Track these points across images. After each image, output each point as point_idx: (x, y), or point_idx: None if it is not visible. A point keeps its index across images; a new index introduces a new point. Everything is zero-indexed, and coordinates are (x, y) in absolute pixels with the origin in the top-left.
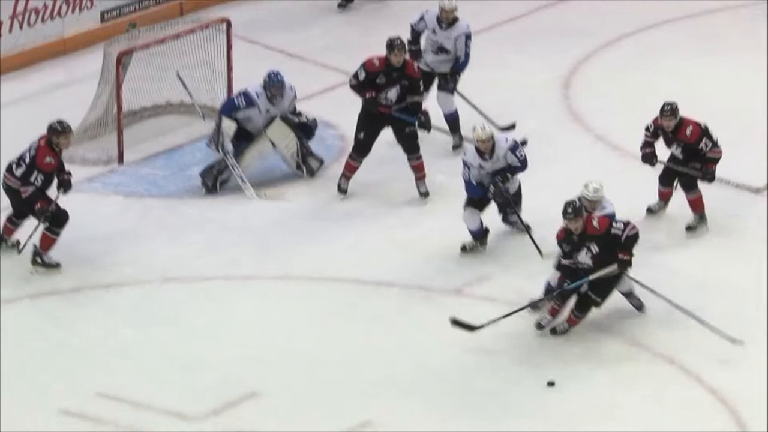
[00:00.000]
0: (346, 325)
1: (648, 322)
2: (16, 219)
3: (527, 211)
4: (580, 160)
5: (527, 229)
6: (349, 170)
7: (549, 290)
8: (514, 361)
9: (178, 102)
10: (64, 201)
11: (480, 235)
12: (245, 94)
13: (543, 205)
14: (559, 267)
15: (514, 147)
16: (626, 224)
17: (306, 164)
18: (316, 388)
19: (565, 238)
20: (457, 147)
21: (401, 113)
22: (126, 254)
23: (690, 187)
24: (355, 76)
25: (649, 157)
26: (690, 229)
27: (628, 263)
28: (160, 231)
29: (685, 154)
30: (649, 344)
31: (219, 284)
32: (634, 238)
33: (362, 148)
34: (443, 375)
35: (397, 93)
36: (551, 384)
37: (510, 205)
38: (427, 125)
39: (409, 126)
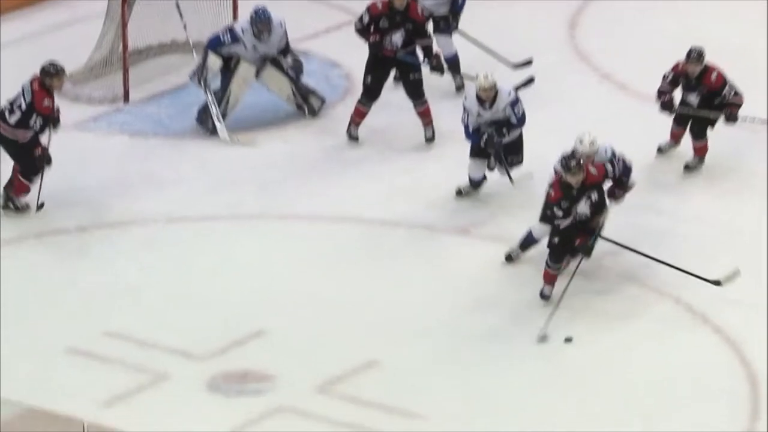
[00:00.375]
0: (351, 265)
1: (653, 262)
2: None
3: (532, 154)
4: (586, 100)
5: (510, 178)
6: (359, 116)
7: (528, 240)
8: (522, 303)
9: (184, 41)
10: (70, 140)
11: (479, 184)
12: (230, 30)
13: (550, 144)
14: (552, 225)
15: (515, 102)
16: (619, 160)
17: (307, 103)
18: (321, 328)
19: (563, 196)
20: (459, 89)
21: (407, 57)
22: (131, 194)
23: (700, 135)
24: (360, 19)
25: (668, 105)
26: (688, 168)
27: (621, 197)
28: (165, 170)
29: (702, 101)
30: (655, 285)
31: (223, 224)
32: (627, 172)
33: (371, 93)
34: (448, 315)
35: (403, 37)
36: (568, 340)
37: (500, 160)
38: (439, 69)
39: (414, 72)
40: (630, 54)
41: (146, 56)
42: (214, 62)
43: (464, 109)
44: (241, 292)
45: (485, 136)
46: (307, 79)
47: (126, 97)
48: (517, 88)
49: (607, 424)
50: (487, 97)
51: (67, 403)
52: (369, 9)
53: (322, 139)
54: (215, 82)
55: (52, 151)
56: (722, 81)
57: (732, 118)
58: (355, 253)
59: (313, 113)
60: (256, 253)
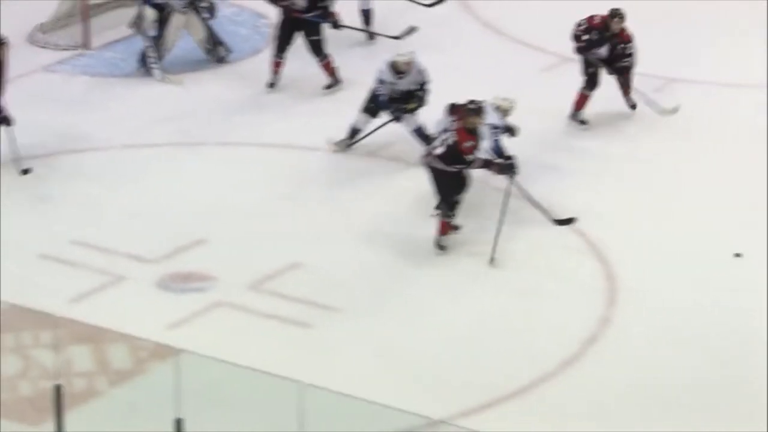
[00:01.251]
0: (280, 183)
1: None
2: None
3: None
4: (469, 47)
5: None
6: (276, 65)
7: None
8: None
9: None
10: (40, 81)
11: (356, 134)
12: None
13: (436, 93)
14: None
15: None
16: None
17: (216, 50)
18: (253, 235)
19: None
20: (371, 37)
21: (311, 17)
22: (92, 124)
23: (626, 85)
24: None
25: (586, 49)
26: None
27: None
28: (120, 106)
29: (610, 56)
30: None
31: (170, 150)
32: (499, 151)
33: (280, 47)
34: (365, 225)
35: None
36: (738, 255)
37: (421, 137)
38: (336, 26)
39: (315, 31)
40: (509, 2)
41: (104, 9)
42: (150, 13)
43: (378, 81)
44: (186, 206)
45: (394, 111)
46: (236, 28)
47: (87, 44)
48: (399, 37)
49: (491, 314)
50: (406, 69)
51: (42, 300)
52: None
53: (250, 81)
54: (152, 31)
55: (22, 90)
56: (630, 36)
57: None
58: (285, 174)
59: (220, 60)
60: (198, 173)
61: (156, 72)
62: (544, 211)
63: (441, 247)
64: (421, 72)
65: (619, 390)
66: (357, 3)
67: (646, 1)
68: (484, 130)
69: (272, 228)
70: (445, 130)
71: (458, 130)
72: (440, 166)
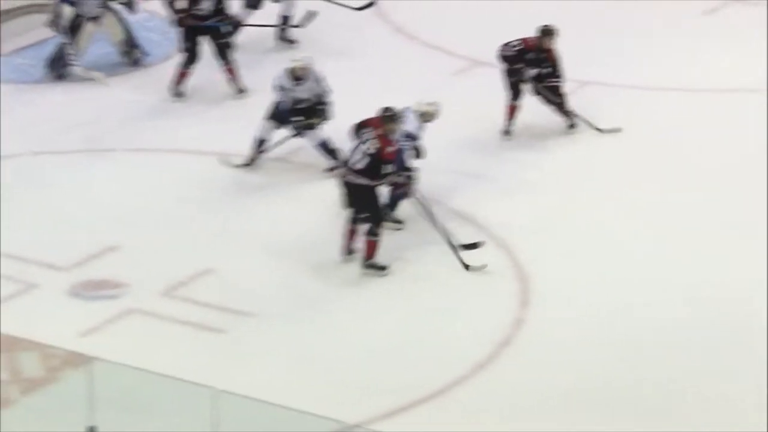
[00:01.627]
0: (193, 190)
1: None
2: None
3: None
4: (381, 53)
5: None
6: (182, 76)
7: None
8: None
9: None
10: None
11: (259, 147)
12: None
13: (343, 94)
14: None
15: (323, 79)
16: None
17: (131, 53)
18: (165, 242)
19: (358, 129)
20: (285, 41)
21: (215, 24)
22: (2, 132)
23: (559, 104)
24: None
25: (517, 72)
26: (572, 126)
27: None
28: (31, 112)
29: (538, 75)
30: (454, 207)
31: (82, 156)
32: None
33: (190, 56)
34: (278, 231)
35: (213, 6)
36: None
37: (327, 151)
38: (237, 28)
39: (220, 36)
40: (419, 6)
41: (13, 15)
42: (68, 11)
43: (278, 88)
44: (97, 213)
45: (295, 121)
46: (147, 34)
47: None
48: (300, 25)
49: (404, 319)
50: (303, 73)
51: None
52: None
53: (160, 87)
54: (63, 28)
55: None
56: (557, 56)
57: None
58: (194, 179)
59: (135, 63)
60: (109, 180)
61: (77, 69)
62: (445, 235)
63: (372, 267)
64: (319, 82)
65: (532, 391)
66: (277, 8)
67: (555, 5)
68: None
69: (184, 234)
70: (363, 142)
71: (379, 137)
72: (363, 181)
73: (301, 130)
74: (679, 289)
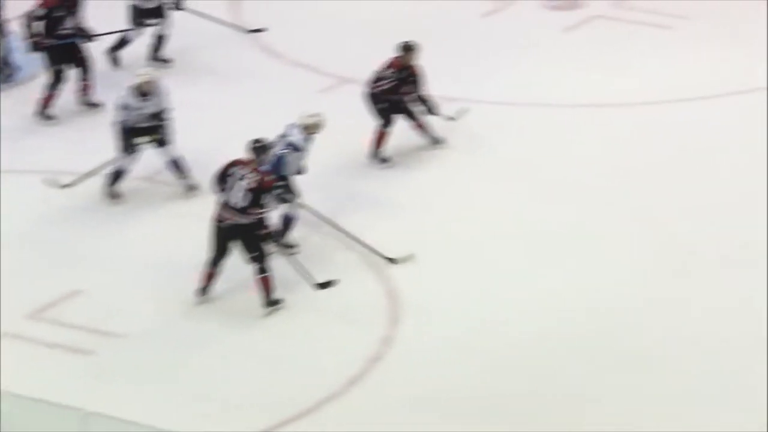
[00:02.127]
0: (57, 210)
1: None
2: None
3: (202, 140)
4: (248, 72)
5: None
6: (50, 98)
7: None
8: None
9: None
10: None
11: (116, 180)
12: None
13: (210, 111)
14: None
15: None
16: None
17: (4, 71)
18: (29, 265)
19: (226, 171)
20: (161, 61)
21: (70, 40)
22: None
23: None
24: (36, 17)
25: (396, 103)
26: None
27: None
28: None
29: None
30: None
31: None
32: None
33: (57, 80)
34: (152, 251)
35: (74, 22)
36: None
37: (178, 170)
38: (91, 39)
39: (78, 51)
40: (315, 37)
41: None
42: None
43: (122, 107)
44: None
45: (145, 140)
46: (13, 54)
47: None
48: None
49: (275, 338)
50: (148, 88)
51: None
52: (44, 3)
53: (23, 106)
54: None
55: None
56: (420, 71)
57: (436, 109)
58: (57, 198)
59: (7, 80)
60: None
61: None
62: (304, 273)
63: (275, 302)
64: (163, 96)
65: (403, 405)
66: (153, 29)
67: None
68: (276, 149)
69: (49, 255)
70: (240, 179)
71: (254, 170)
72: (249, 219)
73: (132, 151)
74: (542, 302)
